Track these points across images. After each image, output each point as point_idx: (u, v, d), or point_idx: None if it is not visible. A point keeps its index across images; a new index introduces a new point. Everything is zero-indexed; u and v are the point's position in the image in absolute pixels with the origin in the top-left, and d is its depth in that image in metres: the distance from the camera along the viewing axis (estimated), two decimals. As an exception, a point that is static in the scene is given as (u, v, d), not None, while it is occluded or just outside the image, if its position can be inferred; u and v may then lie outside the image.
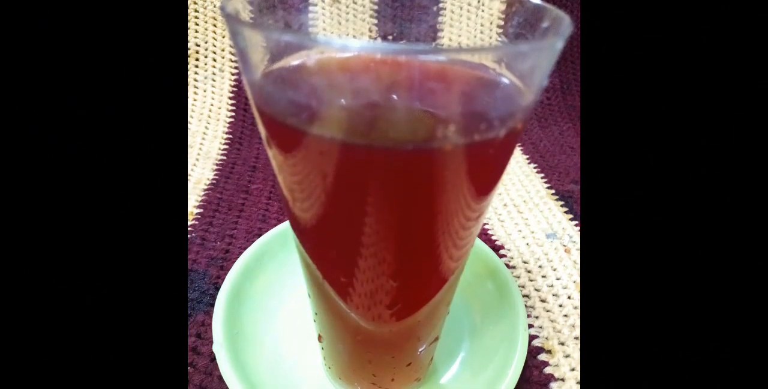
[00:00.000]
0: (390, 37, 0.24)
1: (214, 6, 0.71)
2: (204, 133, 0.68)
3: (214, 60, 0.73)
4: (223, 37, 0.73)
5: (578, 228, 0.53)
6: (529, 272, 0.46)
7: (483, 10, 0.68)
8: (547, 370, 0.37)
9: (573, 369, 0.37)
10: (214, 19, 0.72)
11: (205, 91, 0.72)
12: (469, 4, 0.69)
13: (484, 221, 0.54)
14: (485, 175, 0.19)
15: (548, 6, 0.18)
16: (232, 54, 0.73)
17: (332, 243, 0.21)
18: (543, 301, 0.43)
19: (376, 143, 0.16)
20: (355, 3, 0.42)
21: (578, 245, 0.50)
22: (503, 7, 0.20)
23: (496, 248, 0.49)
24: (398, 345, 0.28)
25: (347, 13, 0.33)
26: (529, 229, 0.53)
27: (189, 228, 0.49)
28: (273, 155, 0.19)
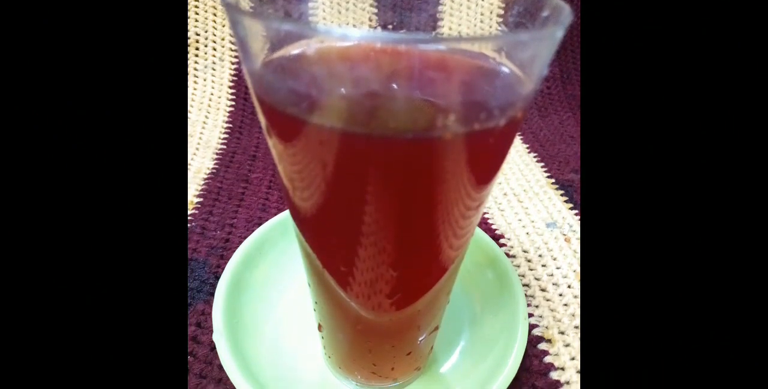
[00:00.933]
0: (390, 27, 0.24)
1: (214, -6, 0.71)
2: (204, 122, 0.68)
3: (214, 49, 0.72)
4: (223, 26, 0.72)
5: (578, 217, 0.53)
6: (529, 261, 0.47)
7: (483, -1, 0.68)
8: (547, 359, 0.37)
9: (573, 358, 0.37)
10: (214, 8, 0.71)
11: (205, 80, 0.72)
12: (470, -7, 0.68)
13: (484, 211, 0.54)
14: (485, 164, 0.19)
15: (549, -5, 0.18)
16: (232, 43, 0.73)
17: (332, 232, 0.21)
18: (543, 290, 0.43)
19: (376, 132, 0.16)
20: (355, -8, 0.42)
21: (578, 235, 0.50)
22: (503, -5, 0.20)
23: (496, 238, 0.49)
24: (398, 334, 0.28)
25: (347, 2, 0.33)
26: (529, 218, 0.53)
27: (189, 217, 0.49)
28: (273, 144, 0.19)
